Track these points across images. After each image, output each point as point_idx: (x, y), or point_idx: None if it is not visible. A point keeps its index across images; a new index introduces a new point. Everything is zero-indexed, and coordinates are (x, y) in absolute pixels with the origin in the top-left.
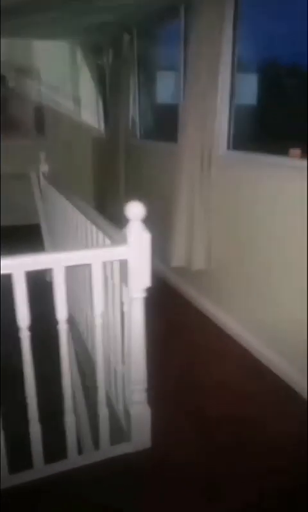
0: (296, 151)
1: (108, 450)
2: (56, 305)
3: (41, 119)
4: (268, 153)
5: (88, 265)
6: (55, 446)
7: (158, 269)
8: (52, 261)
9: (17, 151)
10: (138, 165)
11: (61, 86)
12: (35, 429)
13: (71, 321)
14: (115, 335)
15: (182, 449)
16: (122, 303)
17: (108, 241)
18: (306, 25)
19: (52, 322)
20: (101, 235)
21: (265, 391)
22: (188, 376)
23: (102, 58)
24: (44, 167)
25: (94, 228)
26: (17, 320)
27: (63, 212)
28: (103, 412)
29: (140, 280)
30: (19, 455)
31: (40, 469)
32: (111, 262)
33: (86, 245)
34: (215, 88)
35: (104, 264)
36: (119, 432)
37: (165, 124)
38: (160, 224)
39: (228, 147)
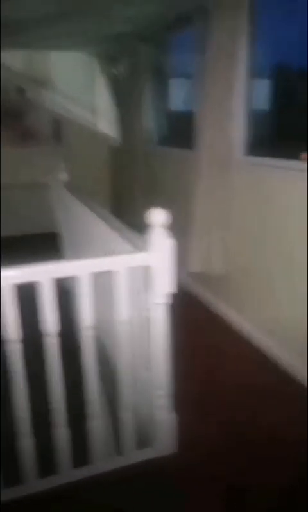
0: (304, 155)
1: (132, 455)
2: (81, 312)
3: (58, 128)
4: (283, 158)
5: (109, 272)
6: (80, 451)
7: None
8: (78, 268)
9: (35, 160)
10: (155, 172)
11: (77, 96)
12: (62, 434)
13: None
14: (138, 341)
15: (207, 454)
16: (145, 309)
17: (130, 248)
18: None
19: (70, 329)
20: (122, 241)
21: (289, 396)
22: (210, 380)
23: (117, 67)
24: (63, 176)
25: (116, 235)
26: (45, 328)
27: (82, 219)
28: (128, 417)
29: (164, 285)
30: (46, 461)
31: (67, 474)
32: (135, 268)
33: (107, 252)
34: (232, 94)
35: (129, 270)
36: (143, 438)
37: (181, 131)
38: (177, 230)
39: (245, 153)
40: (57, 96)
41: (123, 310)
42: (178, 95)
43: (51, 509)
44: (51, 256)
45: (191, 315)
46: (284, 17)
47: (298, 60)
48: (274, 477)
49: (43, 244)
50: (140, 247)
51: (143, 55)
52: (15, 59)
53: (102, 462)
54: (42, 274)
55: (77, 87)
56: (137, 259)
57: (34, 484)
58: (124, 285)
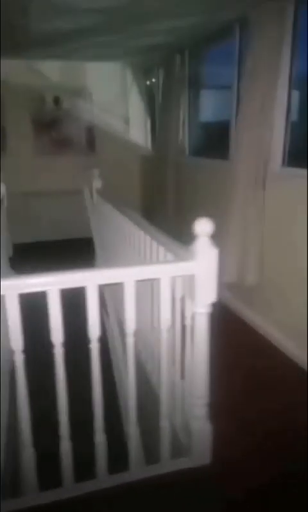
0: None
1: (168, 464)
2: (125, 319)
3: (92, 138)
4: None
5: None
6: (117, 458)
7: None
8: (124, 275)
9: (70, 168)
10: (187, 182)
11: (111, 105)
12: (100, 440)
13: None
14: (174, 349)
15: (242, 466)
16: (184, 317)
17: (169, 256)
18: None
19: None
20: (162, 250)
21: None
22: (244, 391)
23: (152, 77)
24: (97, 183)
25: (154, 243)
26: (89, 332)
27: (117, 226)
28: (164, 425)
29: (207, 295)
30: (84, 466)
31: (103, 480)
32: (177, 277)
33: (143, 260)
34: (273, 105)
35: (173, 279)
36: (177, 447)
37: (215, 141)
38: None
39: (283, 164)
40: (92, 106)
41: (165, 318)
42: (212, 106)
43: None
44: (84, 260)
45: (224, 325)
46: None
47: None
48: None
49: (77, 249)
50: (181, 255)
51: (179, 66)
52: (52, 69)
53: (138, 470)
54: (89, 280)
55: (112, 97)
56: (183, 268)
57: (69, 489)
58: (167, 293)
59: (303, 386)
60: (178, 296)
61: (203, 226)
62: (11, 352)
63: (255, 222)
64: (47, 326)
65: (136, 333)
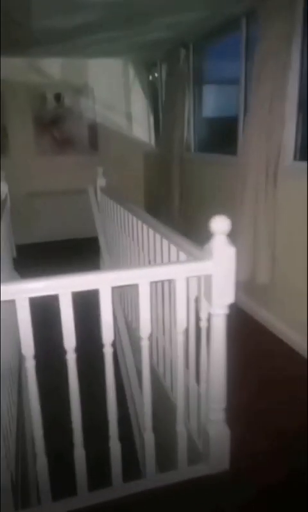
0: None
1: (185, 471)
2: (140, 321)
3: (95, 135)
4: None
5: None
6: (129, 465)
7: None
8: (138, 276)
9: (73, 167)
10: (194, 178)
11: (113, 102)
12: (115, 448)
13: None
14: (190, 352)
15: (261, 471)
16: (200, 319)
17: (182, 255)
18: None
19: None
20: (174, 249)
21: None
22: (259, 393)
23: (155, 73)
24: (101, 182)
25: (165, 242)
26: (103, 336)
27: (124, 225)
28: (181, 430)
29: (225, 296)
30: (97, 474)
31: (119, 488)
32: (193, 277)
33: (153, 260)
34: (284, 98)
35: (188, 279)
36: (193, 452)
37: (222, 137)
38: None
39: (295, 158)
40: (94, 103)
41: (181, 320)
42: (218, 101)
43: None
44: (89, 261)
45: (236, 324)
46: None
47: None
48: None
49: (82, 249)
50: (196, 255)
51: (183, 61)
52: (53, 67)
53: (154, 477)
54: (102, 282)
55: (114, 94)
56: (199, 268)
57: (84, 498)
58: (183, 294)
59: None
60: (192, 296)
61: (220, 224)
62: (20, 358)
63: (266, 219)
64: (55, 330)
65: (151, 336)
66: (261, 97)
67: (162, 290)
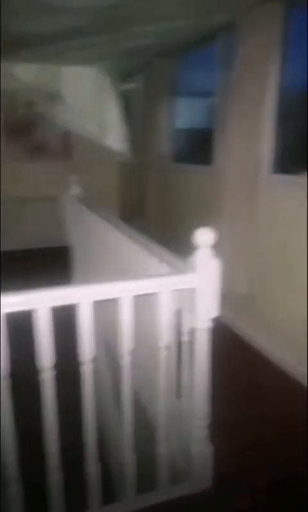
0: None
1: (166, 491)
2: (121, 338)
3: (68, 142)
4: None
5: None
6: (111, 487)
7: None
8: (121, 290)
9: (45, 174)
10: (170, 188)
11: (88, 110)
12: (93, 470)
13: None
14: (171, 367)
15: (245, 490)
16: (182, 333)
17: (163, 267)
18: None
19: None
20: (154, 260)
21: None
22: (237, 406)
23: (130, 82)
24: (76, 190)
25: (145, 253)
26: (80, 354)
27: (99, 234)
28: (162, 449)
29: (209, 309)
30: (74, 498)
31: (97, 511)
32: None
33: (132, 272)
34: (263, 110)
35: (172, 293)
36: (175, 471)
37: (198, 148)
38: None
39: (273, 170)
40: (68, 111)
41: (165, 335)
42: (194, 112)
43: None
44: (62, 270)
45: (215, 337)
46: None
47: None
48: None
49: (54, 259)
50: (179, 267)
51: (159, 71)
52: (26, 72)
53: (135, 498)
54: (82, 296)
55: (88, 102)
56: (183, 280)
57: None
58: (166, 308)
59: (301, 399)
60: (173, 310)
61: (204, 236)
62: None
63: (246, 230)
64: (27, 346)
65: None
66: (240, 108)
67: (142, 303)
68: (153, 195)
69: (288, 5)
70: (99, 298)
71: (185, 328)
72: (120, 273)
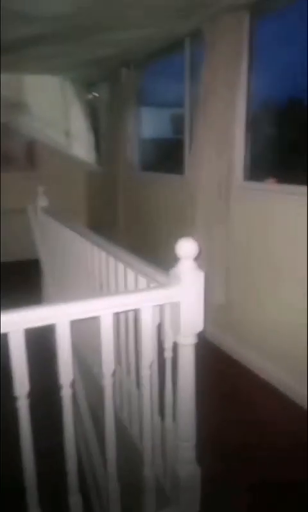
0: (270, 180)
1: None
2: (103, 358)
3: (33, 153)
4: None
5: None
6: None
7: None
8: (100, 307)
9: (9, 185)
10: (139, 197)
11: (52, 119)
12: (75, 500)
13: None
14: (152, 385)
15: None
16: (163, 349)
17: (141, 281)
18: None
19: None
20: (131, 273)
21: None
22: (219, 420)
23: (96, 91)
24: (43, 201)
25: (121, 265)
26: (60, 377)
27: (70, 246)
28: (147, 474)
29: (194, 323)
30: None
31: None
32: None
33: (106, 284)
34: (232, 118)
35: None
36: (160, 496)
37: (165, 156)
38: (168, 257)
39: (245, 178)
40: (32, 120)
41: (148, 353)
42: (161, 121)
43: None
44: (30, 285)
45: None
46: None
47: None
48: None
49: (22, 272)
50: (160, 280)
51: (125, 80)
52: None
53: None
54: (59, 316)
55: (53, 111)
56: (167, 295)
57: None
58: (149, 324)
59: (284, 409)
60: (154, 325)
61: (186, 248)
62: None
63: (219, 239)
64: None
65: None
66: (209, 117)
67: (124, 320)
68: (123, 204)
69: (254, 14)
70: (77, 317)
71: (168, 344)
72: (94, 287)
